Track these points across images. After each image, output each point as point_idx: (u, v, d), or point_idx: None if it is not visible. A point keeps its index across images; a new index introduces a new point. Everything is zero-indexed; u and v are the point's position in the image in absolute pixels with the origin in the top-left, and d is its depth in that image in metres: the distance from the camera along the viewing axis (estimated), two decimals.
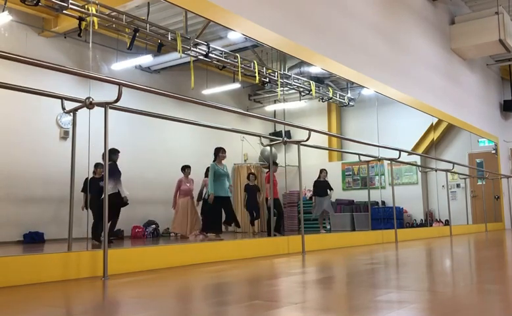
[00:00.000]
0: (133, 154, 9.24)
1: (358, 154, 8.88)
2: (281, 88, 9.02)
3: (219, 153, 7.71)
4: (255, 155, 12.00)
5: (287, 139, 6.39)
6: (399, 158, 8.24)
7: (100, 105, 3.84)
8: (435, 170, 10.54)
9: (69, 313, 2.40)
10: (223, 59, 8.64)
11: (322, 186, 9.71)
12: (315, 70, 8.74)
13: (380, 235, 7.89)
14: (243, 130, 8.87)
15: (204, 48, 8.24)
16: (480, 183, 12.88)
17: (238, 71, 8.72)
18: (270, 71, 9.31)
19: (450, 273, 3.61)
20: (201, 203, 8.73)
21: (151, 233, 9.63)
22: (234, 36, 7.52)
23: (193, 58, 8.18)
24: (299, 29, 6.70)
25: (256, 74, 8.97)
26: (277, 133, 10.26)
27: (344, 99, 10.95)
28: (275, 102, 10.96)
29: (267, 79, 9.52)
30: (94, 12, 6.28)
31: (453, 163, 10.31)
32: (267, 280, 3.35)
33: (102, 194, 3.83)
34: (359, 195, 11.08)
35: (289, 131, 8.66)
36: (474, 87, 13.29)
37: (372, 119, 8.68)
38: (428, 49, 10.69)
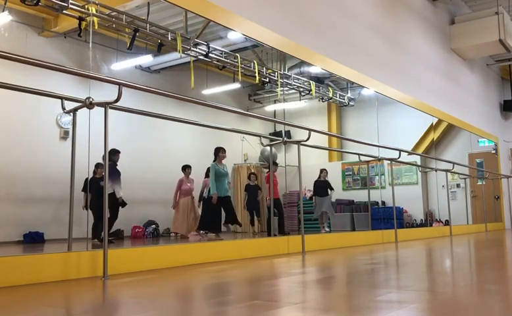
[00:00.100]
0: (133, 154, 9.24)
1: (359, 154, 8.88)
2: (281, 88, 9.02)
3: (219, 152, 7.72)
4: (255, 155, 12.00)
5: (287, 139, 6.39)
6: (399, 158, 8.24)
7: (100, 105, 3.84)
8: (435, 170, 10.54)
9: (69, 313, 2.40)
10: (223, 59, 8.65)
11: (322, 186, 9.71)
12: (315, 70, 8.74)
13: (380, 235, 7.89)
14: (243, 130, 8.87)
15: (204, 48, 8.24)
16: (480, 183, 12.88)
17: (238, 71, 8.73)
18: (270, 71, 9.32)
19: (450, 273, 3.61)
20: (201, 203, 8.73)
21: (151, 233, 9.63)
22: (234, 36, 7.52)
23: (193, 58, 8.18)
24: (299, 29, 6.70)
25: (256, 74, 8.98)
26: (277, 133, 10.26)
27: (344, 99, 10.95)
28: (275, 102, 10.96)
29: (267, 79, 9.53)
30: (94, 12, 6.28)
31: (453, 163, 10.31)
32: (267, 280, 3.35)
33: (101, 194, 3.83)
34: (359, 195, 11.08)
35: (289, 131, 8.66)
36: (474, 87, 13.29)
37: (372, 119, 8.68)
38: (428, 49, 10.69)
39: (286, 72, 9.30)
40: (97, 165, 6.74)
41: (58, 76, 4.00)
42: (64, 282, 3.35)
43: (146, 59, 9.71)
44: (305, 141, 5.96)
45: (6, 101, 7.94)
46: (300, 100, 10.36)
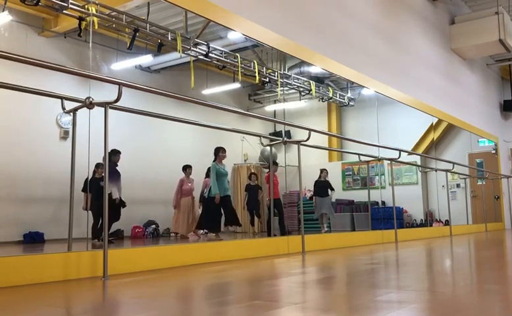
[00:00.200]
0: (133, 154, 9.24)
1: (359, 154, 8.88)
2: (281, 88, 9.02)
3: (219, 152, 7.71)
4: (255, 155, 12.00)
5: (287, 139, 6.39)
6: (399, 158, 8.24)
7: (100, 104, 3.84)
8: (435, 170, 10.54)
9: (69, 313, 2.40)
10: (223, 59, 8.64)
11: (322, 186, 9.70)
12: (315, 70, 8.74)
13: (380, 235, 7.89)
14: (243, 130, 8.86)
15: (204, 48, 8.24)
16: (480, 183, 12.88)
17: (238, 71, 8.73)
18: (270, 71, 9.32)
19: (450, 273, 3.61)
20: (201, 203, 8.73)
21: (151, 233, 9.63)
22: (234, 36, 7.52)
23: (193, 58, 8.18)
24: (299, 29, 6.70)
25: (256, 74, 8.98)
26: (277, 133, 10.26)
27: (344, 99, 10.95)
28: (275, 102, 10.96)
29: (267, 79, 9.52)
30: (94, 12, 6.28)
31: (453, 163, 10.31)
32: (267, 280, 3.35)
33: (101, 194, 3.83)
34: (359, 195, 11.08)
35: (289, 131, 8.66)
36: (474, 87, 13.29)
37: (372, 119, 8.68)
38: (428, 49, 10.69)
39: (286, 72, 9.30)
40: (97, 165, 6.74)
41: (58, 76, 4.00)
42: (65, 282, 3.35)
43: (146, 59, 9.71)
44: (305, 141, 5.96)
45: (6, 101, 7.94)
46: (300, 100, 10.36)
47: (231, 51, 8.72)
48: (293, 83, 9.63)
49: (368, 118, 9.11)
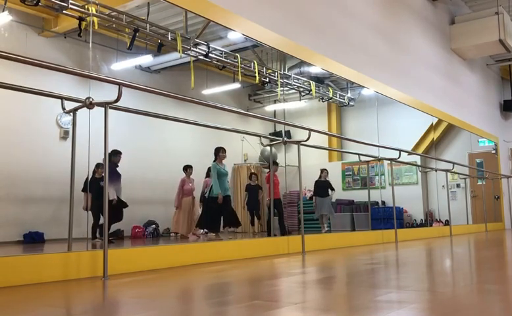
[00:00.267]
0: (133, 154, 9.24)
1: (359, 154, 8.88)
2: (281, 88, 9.02)
3: (219, 152, 7.69)
4: (255, 155, 12.00)
5: (287, 139, 6.39)
6: (399, 158, 8.24)
7: (100, 105, 3.84)
8: (436, 170, 10.54)
9: (69, 313, 2.40)
10: (223, 59, 8.64)
11: (322, 186, 9.68)
12: (315, 70, 8.74)
13: (380, 235, 7.89)
14: (243, 130, 8.86)
15: (204, 48, 8.24)
16: (480, 183, 12.88)
17: (238, 71, 8.73)
18: (270, 71, 9.32)
19: (450, 273, 3.61)
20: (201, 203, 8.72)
21: (151, 233, 9.63)
22: (234, 36, 7.52)
23: (193, 58, 8.18)
24: (299, 29, 6.70)
25: (256, 74, 8.98)
26: (277, 133, 10.26)
27: (344, 99, 10.95)
28: (275, 102, 10.96)
29: (267, 79, 9.52)
30: (94, 12, 6.28)
31: (453, 163, 10.31)
32: (267, 280, 3.35)
33: (101, 195, 3.83)
34: (359, 195, 11.08)
35: (289, 131, 8.66)
36: (474, 87, 13.29)
37: (372, 119, 8.68)
38: (428, 49, 10.69)
39: (286, 72, 9.30)
40: (97, 165, 6.74)
41: (58, 76, 4.00)
42: (64, 282, 3.35)
43: (146, 59, 9.71)
44: (305, 141, 5.96)
45: (6, 101, 7.94)
46: (300, 100, 10.36)
47: (231, 51, 8.72)
48: (293, 83, 9.63)
49: (368, 118, 9.11)
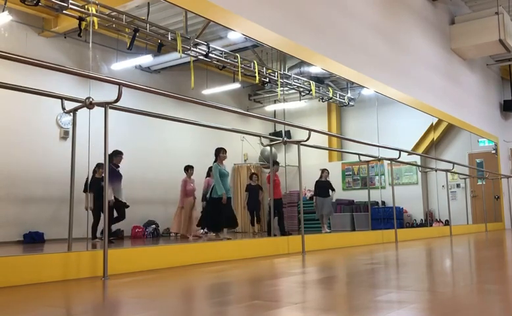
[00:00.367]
0: (133, 154, 9.24)
1: (359, 154, 8.88)
2: (281, 88, 9.02)
3: (220, 153, 7.63)
4: (255, 155, 12.00)
5: (287, 139, 6.39)
6: (399, 158, 8.24)
7: (100, 105, 3.84)
8: (436, 170, 10.54)
9: (69, 313, 2.40)
10: (223, 59, 8.65)
11: (323, 187, 9.65)
12: (315, 70, 8.74)
13: (380, 235, 7.89)
14: (243, 130, 8.87)
15: (204, 48, 8.24)
16: (480, 183, 12.88)
17: (238, 71, 8.73)
18: (270, 71, 9.32)
19: (450, 273, 3.61)
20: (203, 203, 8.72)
21: (151, 233, 9.63)
22: (234, 36, 7.52)
23: (193, 58, 8.18)
24: (299, 29, 6.70)
25: (256, 74, 8.98)
26: (277, 133, 10.26)
27: (344, 99, 10.95)
28: (275, 102, 10.96)
29: (267, 79, 9.53)
30: (94, 12, 6.28)
31: (453, 163, 10.31)
32: (267, 280, 3.35)
33: (101, 195, 3.83)
34: (359, 195, 11.08)
35: (289, 131, 8.66)
36: (474, 87, 13.29)
37: (372, 119, 8.68)
38: (428, 49, 10.69)
39: (286, 72, 9.30)
40: (98, 165, 6.74)
41: (58, 76, 4.00)
42: (64, 282, 3.35)
43: (146, 59, 9.71)
44: (305, 141, 5.96)
45: (6, 101, 7.94)
46: (300, 100, 10.36)
47: (231, 51, 8.72)
48: (293, 83, 9.63)
49: (368, 118, 9.11)
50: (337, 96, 10.80)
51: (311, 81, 9.97)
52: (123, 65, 9.49)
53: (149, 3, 7.20)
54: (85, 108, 3.95)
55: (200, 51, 8.22)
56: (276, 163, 8.56)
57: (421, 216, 10.93)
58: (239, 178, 11.70)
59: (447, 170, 10.18)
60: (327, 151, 11.68)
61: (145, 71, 10.28)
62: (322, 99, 10.87)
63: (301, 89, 9.95)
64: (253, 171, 10.80)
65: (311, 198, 10.32)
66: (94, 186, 6.60)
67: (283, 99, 9.00)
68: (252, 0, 5.96)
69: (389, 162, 8.82)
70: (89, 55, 4.48)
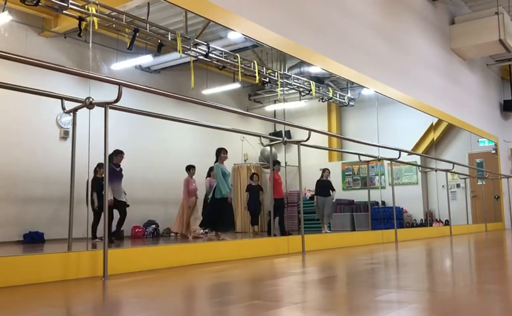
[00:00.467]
0: (133, 154, 9.22)
1: (359, 154, 8.88)
2: (281, 88, 9.02)
3: (221, 153, 7.58)
4: (255, 155, 12.00)
5: (287, 139, 6.39)
6: (399, 158, 8.24)
7: (100, 105, 3.84)
8: (436, 170, 10.54)
9: (69, 313, 2.40)
10: (223, 59, 8.64)
11: (324, 186, 9.63)
12: (315, 70, 8.74)
13: (380, 235, 7.89)
14: (243, 130, 8.86)
15: (204, 48, 8.24)
16: (480, 183, 12.88)
17: (238, 71, 8.73)
18: (270, 71, 9.31)
19: (450, 273, 3.61)
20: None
21: (151, 233, 9.63)
22: (234, 36, 7.52)
23: (193, 58, 8.18)
24: (299, 29, 6.70)
25: (256, 74, 8.98)
26: (277, 133, 10.26)
27: (344, 99, 10.95)
28: (275, 102, 10.96)
29: (267, 79, 9.52)
30: (94, 12, 6.28)
31: (453, 163, 10.31)
32: (267, 280, 3.35)
33: (101, 195, 3.84)
34: (359, 195, 11.08)
35: (289, 131, 8.66)
36: (474, 87, 13.29)
37: (372, 119, 8.68)
38: (428, 49, 10.69)
39: (286, 72, 9.30)
40: (99, 165, 6.75)
41: (58, 76, 4.00)
42: (64, 282, 3.35)
43: (146, 59, 9.71)
44: (305, 141, 5.96)
45: (6, 101, 7.94)
46: (300, 100, 10.36)
47: (231, 51, 8.72)
48: (293, 83, 9.63)
49: (368, 118, 9.10)
50: (337, 96, 10.80)
51: (311, 81, 9.97)
52: (123, 65, 9.49)
53: (149, 3, 7.20)
54: (85, 108, 3.95)
55: (200, 51, 8.22)
56: (277, 163, 8.56)
57: (421, 216, 10.93)
58: (239, 178, 11.69)
59: (447, 170, 10.18)
60: (327, 151, 11.68)
61: (145, 71, 10.28)
62: (322, 99, 10.87)
63: (301, 89, 9.95)
64: (253, 171, 10.80)
65: (311, 198, 10.31)
66: (95, 186, 6.64)
67: (283, 99, 9.00)
68: (252, 0, 5.96)
69: (389, 162, 8.83)
70: (89, 55, 4.48)
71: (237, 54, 8.68)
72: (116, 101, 3.79)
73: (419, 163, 10.84)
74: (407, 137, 10.71)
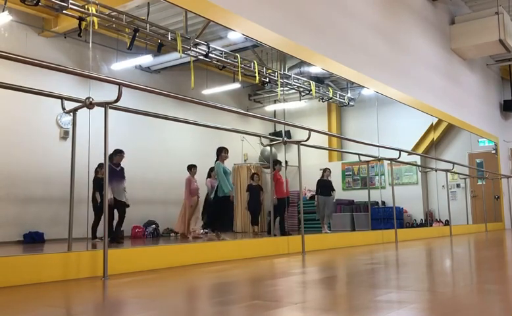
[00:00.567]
0: (133, 154, 9.22)
1: (359, 154, 8.88)
2: (281, 88, 9.02)
3: (222, 152, 7.54)
4: (255, 155, 12.00)
5: (287, 139, 6.39)
6: (399, 158, 8.24)
7: (100, 105, 3.84)
8: (436, 170, 10.54)
9: (69, 313, 2.40)
10: (223, 59, 8.64)
11: (325, 186, 9.61)
12: (315, 70, 8.74)
13: (380, 235, 7.89)
14: (243, 130, 8.86)
15: (204, 48, 8.24)
16: (480, 183, 12.88)
17: (238, 71, 8.73)
18: (270, 71, 9.31)
19: (450, 273, 3.61)
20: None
21: (151, 233, 9.63)
22: (234, 36, 7.51)
23: (193, 58, 8.18)
24: (299, 29, 6.70)
25: (256, 74, 8.98)
26: (277, 133, 10.25)
27: (344, 99, 10.95)
28: (275, 102, 10.96)
29: (267, 79, 9.52)
30: (94, 12, 6.28)
31: (453, 163, 10.31)
32: (267, 280, 3.35)
33: (101, 195, 3.84)
34: (359, 195, 11.08)
35: (289, 131, 8.66)
36: (474, 87, 13.29)
37: (372, 119, 8.68)
38: (428, 49, 10.69)
39: (286, 72, 9.30)
40: (100, 165, 6.75)
41: (58, 76, 4.00)
42: (64, 282, 3.35)
43: (146, 59, 9.71)
44: (305, 141, 5.96)
45: (6, 101, 7.94)
46: (300, 100, 10.36)
47: (231, 51, 8.72)
48: (293, 83, 9.63)
49: (368, 118, 9.10)
50: (337, 96, 10.80)
51: (311, 81, 9.97)
52: (123, 65, 9.49)
53: (149, 3, 7.20)
54: (85, 108, 3.95)
55: (200, 51, 8.22)
56: (278, 162, 8.55)
57: (421, 216, 10.93)
58: (239, 178, 11.69)
59: (447, 170, 10.18)
60: (327, 151, 11.68)
61: (145, 71, 10.28)
62: (322, 99, 10.87)
63: (301, 89, 9.95)
64: (253, 171, 10.80)
65: (311, 198, 10.31)
66: (96, 186, 6.66)
67: (283, 99, 9.00)
68: (252, 0, 5.96)
69: (389, 162, 8.82)
70: (89, 55, 4.48)
71: (237, 54, 8.68)
72: (116, 101, 3.79)
73: (419, 163, 10.84)
74: (407, 137, 10.71)
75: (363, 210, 10.43)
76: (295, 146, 6.10)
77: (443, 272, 3.71)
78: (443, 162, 10.39)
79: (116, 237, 7.12)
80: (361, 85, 8.48)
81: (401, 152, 8.32)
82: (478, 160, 13.11)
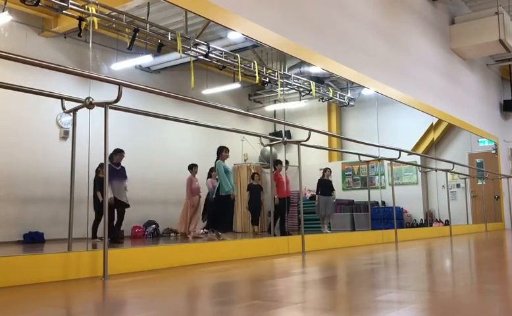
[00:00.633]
0: (133, 154, 9.21)
1: (359, 154, 8.88)
2: (281, 88, 9.02)
3: (222, 152, 7.49)
4: (255, 155, 12.00)
5: (287, 139, 6.39)
6: (399, 158, 8.23)
7: (100, 105, 3.84)
8: (436, 170, 10.54)
9: (69, 313, 2.40)
10: (223, 59, 8.64)
11: (326, 185, 9.60)
12: (315, 70, 8.74)
13: (380, 235, 7.89)
14: (243, 130, 8.87)
15: (204, 48, 8.24)
16: (480, 183, 12.88)
17: (238, 71, 8.73)
18: (270, 71, 9.32)
19: (450, 273, 3.61)
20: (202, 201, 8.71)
21: (151, 233, 9.63)
22: (234, 36, 7.51)
23: (193, 58, 8.18)
24: (299, 29, 6.70)
25: (256, 74, 8.98)
26: (277, 133, 10.26)
27: (344, 99, 10.95)
28: (275, 102, 10.96)
29: (267, 79, 9.52)
30: (94, 12, 6.28)
31: (453, 163, 10.31)
32: (267, 280, 3.35)
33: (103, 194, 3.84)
34: (359, 195, 11.08)
35: (289, 131, 8.66)
36: (474, 87, 13.29)
37: (372, 119, 8.68)
38: (428, 49, 10.69)
39: (286, 72, 9.30)
40: (101, 165, 6.76)
41: (58, 76, 4.00)
42: (64, 282, 3.35)
43: (146, 59, 9.71)
44: (305, 141, 5.96)
45: (6, 101, 7.94)
46: (300, 100, 10.36)
47: (231, 51, 8.72)
48: (293, 83, 9.63)
49: (368, 118, 9.10)
50: (337, 96, 10.80)
51: (311, 81, 9.97)
52: (123, 65, 9.49)
53: (149, 3, 7.20)
54: (85, 108, 3.95)
55: (200, 51, 8.22)
56: (279, 162, 8.55)
57: (421, 216, 10.93)
58: (239, 178, 11.69)
59: (447, 170, 10.18)
60: (327, 151, 11.68)
61: (145, 71, 10.28)
62: (322, 99, 10.87)
63: (301, 89, 9.95)
64: (253, 171, 10.80)
65: (311, 198, 10.30)
66: (97, 186, 6.66)
67: (283, 99, 9.00)
68: (252, 0, 5.96)
69: (389, 162, 8.82)
70: (89, 55, 4.48)
71: (237, 54, 8.68)
72: (116, 101, 3.79)
73: (419, 163, 10.84)
74: (407, 137, 10.71)
75: (363, 210, 10.43)
76: (295, 146, 6.10)
77: (443, 272, 3.71)
78: (443, 162, 10.39)
79: (116, 238, 7.13)
80: (361, 85, 8.48)
81: (401, 152, 8.32)
82: (478, 160, 13.11)
